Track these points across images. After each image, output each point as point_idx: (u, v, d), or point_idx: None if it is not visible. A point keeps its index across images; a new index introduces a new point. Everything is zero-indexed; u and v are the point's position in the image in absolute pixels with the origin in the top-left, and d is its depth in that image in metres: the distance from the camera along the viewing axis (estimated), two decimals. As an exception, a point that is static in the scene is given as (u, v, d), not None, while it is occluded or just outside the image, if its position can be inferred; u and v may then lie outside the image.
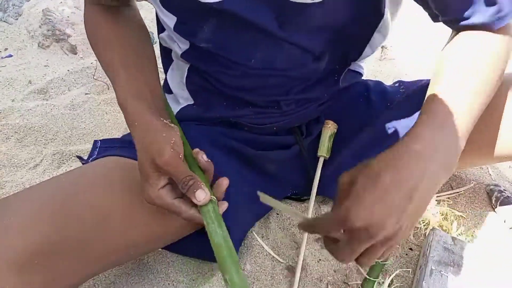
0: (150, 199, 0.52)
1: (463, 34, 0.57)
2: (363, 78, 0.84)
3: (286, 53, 0.63)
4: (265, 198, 0.49)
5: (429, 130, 0.48)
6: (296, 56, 0.64)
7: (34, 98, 1.12)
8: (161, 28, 0.71)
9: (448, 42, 0.60)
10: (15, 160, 0.93)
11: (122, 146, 0.67)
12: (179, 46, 0.66)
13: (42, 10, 1.36)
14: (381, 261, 0.72)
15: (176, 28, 0.62)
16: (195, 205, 0.52)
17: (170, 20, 0.62)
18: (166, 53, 0.75)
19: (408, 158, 0.45)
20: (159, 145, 0.51)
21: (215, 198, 0.53)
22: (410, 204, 0.44)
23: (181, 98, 0.74)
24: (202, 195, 0.51)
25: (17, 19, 1.38)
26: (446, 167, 0.47)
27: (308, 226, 0.49)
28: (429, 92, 0.54)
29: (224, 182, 0.56)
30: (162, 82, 0.72)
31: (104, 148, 0.67)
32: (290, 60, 0.64)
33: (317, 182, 0.76)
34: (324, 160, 0.77)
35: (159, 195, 0.51)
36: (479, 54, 0.55)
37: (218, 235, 0.50)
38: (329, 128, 0.77)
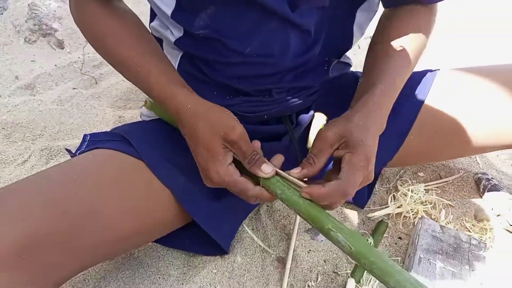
0: (219, 177, 0.53)
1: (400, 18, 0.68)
2: (352, 69, 0.84)
3: (282, 39, 0.63)
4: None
5: (384, 98, 0.60)
6: (293, 42, 0.64)
7: (21, 93, 1.11)
8: (151, 17, 0.71)
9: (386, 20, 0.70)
10: (3, 157, 0.92)
11: (111, 140, 0.66)
12: (173, 33, 0.66)
13: (28, 5, 1.34)
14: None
15: (174, 15, 0.62)
16: (257, 184, 0.55)
17: (167, 7, 0.63)
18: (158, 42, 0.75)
19: (376, 119, 0.58)
20: (229, 121, 0.54)
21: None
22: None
23: None
24: (268, 168, 0.54)
25: (2, 13, 1.36)
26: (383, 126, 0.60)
27: (323, 195, 0.54)
28: (382, 66, 0.65)
29: (278, 157, 0.60)
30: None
31: (93, 141, 0.67)
32: (286, 48, 0.65)
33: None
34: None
35: (229, 172, 0.53)
36: (414, 38, 0.66)
37: (297, 198, 0.53)
38: (319, 120, 0.77)
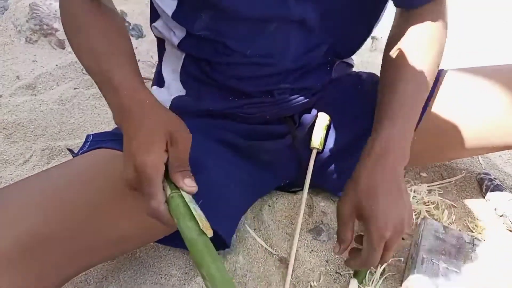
0: (142, 166, 0.46)
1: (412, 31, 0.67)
2: (354, 69, 0.84)
3: (284, 40, 0.63)
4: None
5: (394, 133, 0.61)
6: (294, 43, 0.64)
7: (22, 93, 1.11)
8: (154, 17, 0.70)
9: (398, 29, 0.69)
10: (4, 156, 0.92)
11: (113, 139, 0.66)
12: (176, 34, 0.66)
13: (29, 5, 1.34)
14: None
15: (175, 15, 0.62)
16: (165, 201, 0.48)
17: (168, 7, 0.62)
18: (160, 43, 0.74)
19: (386, 165, 0.59)
20: (180, 122, 0.52)
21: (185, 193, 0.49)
22: (403, 197, 0.58)
23: (173, 89, 0.74)
24: (192, 183, 0.48)
25: (3, 13, 1.36)
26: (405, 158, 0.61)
27: (360, 264, 0.61)
28: (385, 96, 0.65)
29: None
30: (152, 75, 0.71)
31: (95, 141, 0.67)
32: (287, 49, 0.65)
33: (310, 174, 0.76)
34: (317, 152, 0.77)
35: (156, 166, 0.47)
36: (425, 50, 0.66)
37: (190, 229, 0.46)
38: (322, 120, 0.77)
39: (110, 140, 0.66)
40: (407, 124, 0.62)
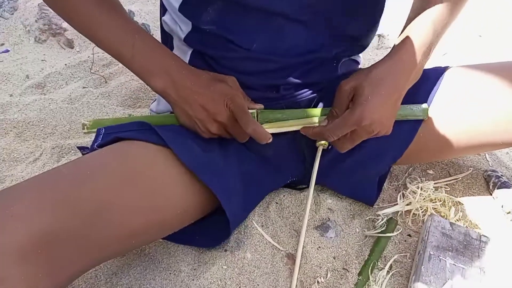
0: (235, 99, 0.63)
1: None
2: (360, 67, 0.84)
3: (288, 36, 0.64)
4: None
5: (413, 48, 0.63)
6: (299, 39, 0.65)
7: (32, 92, 1.12)
8: (163, 11, 0.71)
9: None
10: (15, 155, 0.93)
11: (128, 130, 0.67)
12: (181, 28, 0.67)
13: (38, 5, 1.36)
14: None
15: (181, 8, 0.63)
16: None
17: (175, 0, 0.63)
18: (167, 40, 0.75)
19: (402, 67, 0.62)
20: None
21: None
22: (398, 103, 0.64)
23: None
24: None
25: (12, 13, 1.37)
26: (416, 76, 0.65)
27: (318, 133, 0.67)
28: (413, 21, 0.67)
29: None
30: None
31: (108, 134, 0.67)
32: (292, 44, 0.65)
33: (316, 171, 0.76)
34: (323, 150, 0.78)
35: (241, 101, 0.64)
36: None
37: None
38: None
39: (124, 131, 0.67)
40: (425, 39, 0.65)
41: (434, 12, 0.65)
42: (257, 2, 0.60)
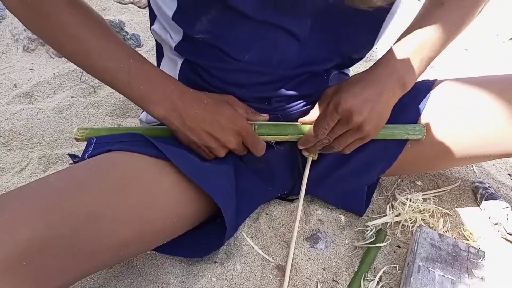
0: (243, 126, 0.66)
1: None
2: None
3: (281, 48, 0.64)
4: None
5: (399, 54, 0.65)
6: (292, 52, 0.65)
7: (19, 101, 1.11)
8: (152, 19, 0.71)
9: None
10: (1, 165, 0.92)
11: (119, 141, 0.66)
12: (172, 37, 0.66)
13: (27, 13, 1.35)
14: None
15: (175, 17, 0.62)
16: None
17: (169, 8, 0.62)
18: (159, 48, 0.75)
19: (380, 68, 0.66)
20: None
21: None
22: (380, 98, 0.63)
23: None
24: (265, 115, 0.72)
25: (0, 22, 1.36)
26: (405, 83, 0.65)
27: (309, 135, 0.70)
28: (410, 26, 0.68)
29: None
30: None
31: (100, 144, 0.66)
32: (285, 57, 0.65)
33: (306, 182, 0.76)
34: (312, 160, 0.78)
35: (241, 116, 0.67)
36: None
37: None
38: None
39: (116, 142, 0.66)
40: (428, 52, 0.66)
41: (436, 18, 0.66)
42: (260, 15, 0.59)
